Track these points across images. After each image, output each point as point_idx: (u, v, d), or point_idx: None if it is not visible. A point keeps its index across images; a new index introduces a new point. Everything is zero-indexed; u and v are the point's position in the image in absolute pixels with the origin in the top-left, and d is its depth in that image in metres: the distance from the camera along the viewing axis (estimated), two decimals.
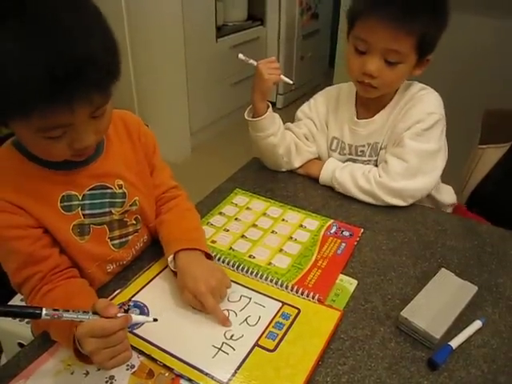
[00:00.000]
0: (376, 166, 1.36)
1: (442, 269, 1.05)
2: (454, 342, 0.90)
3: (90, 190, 0.95)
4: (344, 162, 1.40)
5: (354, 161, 1.39)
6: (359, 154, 1.39)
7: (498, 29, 2.22)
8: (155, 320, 0.84)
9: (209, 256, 1.02)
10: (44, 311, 0.73)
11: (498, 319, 0.97)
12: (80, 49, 0.72)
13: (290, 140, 1.40)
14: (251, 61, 1.29)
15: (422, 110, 1.28)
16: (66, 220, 0.93)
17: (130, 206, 1.02)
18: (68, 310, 0.76)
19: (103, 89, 0.78)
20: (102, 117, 0.84)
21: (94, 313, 0.77)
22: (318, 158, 1.47)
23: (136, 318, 0.83)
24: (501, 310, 0.99)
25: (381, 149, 1.35)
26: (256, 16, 3.88)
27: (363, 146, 1.38)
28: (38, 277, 0.90)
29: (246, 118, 1.34)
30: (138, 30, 3.11)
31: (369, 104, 1.34)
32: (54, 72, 0.69)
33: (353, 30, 1.23)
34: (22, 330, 1.25)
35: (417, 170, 1.26)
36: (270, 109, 1.33)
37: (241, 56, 1.30)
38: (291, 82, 1.36)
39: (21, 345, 1.25)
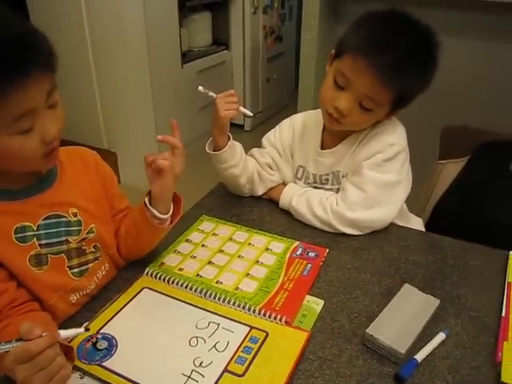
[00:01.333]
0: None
1: (406, 284, 1.07)
2: (420, 356, 0.92)
3: (44, 219, 0.95)
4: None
5: (319, 189, 1.40)
6: (323, 182, 1.40)
7: (455, 45, 2.29)
8: (87, 329, 0.83)
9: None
10: None
11: (460, 330, 0.99)
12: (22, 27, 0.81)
13: (253, 169, 1.41)
14: (210, 93, 1.29)
15: (383, 140, 1.27)
16: (22, 251, 0.93)
17: (87, 233, 1.03)
18: None
19: (48, 68, 0.83)
20: (57, 106, 0.87)
21: (18, 339, 0.73)
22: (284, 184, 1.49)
23: (64, 332, 0.78)
24: (463, 320, 1.02)
25: (342, 177, 1.36)
26: (221, 40, 3.95)
27: (327, 174, 1.38)
28: None
29: (207, 150, 1.35)
30: (102, 58, 3.13)
31: (333, 134, 1.35)
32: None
33: (338, 61, 1.20)
34: None
35: (374, 200, 1.26)
36: (231, 142, 1.32)
37: (200, 88, 1.30)
38: (251, 115, 1.37)
39: None
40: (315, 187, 1.41)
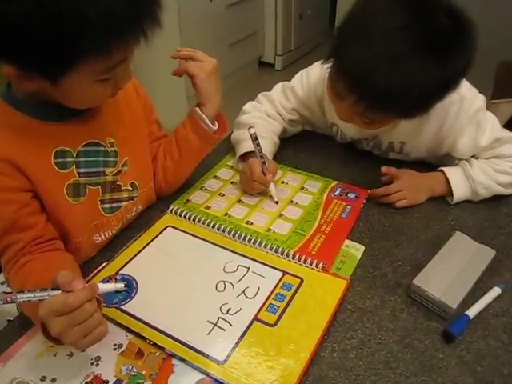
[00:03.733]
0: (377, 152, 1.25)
1: (457, 232, 0.97)
2: (472, 312, 0.84)
3: (84, 146, 0.89)
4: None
5: (355, 144, 1.28)
6: (362, 143, 1.26)
7: None
8: (126, 286, 0.79)
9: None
10: None
11: None
12: None
13: (278, 131, 1.26)
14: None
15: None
16: (61, 178, 0.87)
17: (122, 166, 0.97)
18: (23, 291, 0.68)
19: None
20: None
21: (54, 288, 0.68)
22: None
23: (103, 286, 0.75)
24: None
25: (391, 148, 1.21)
26: None
27: (366, 139, 1.24)
28: (18, 246, 0.83)
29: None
30: None
31: None
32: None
33: (330, 64, 1.02)
34: (9, 306, 1.18)
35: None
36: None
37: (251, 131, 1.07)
38: (275, 200, 1.10)
39: (10, 322, 1.19)
40: (352, 143, 1.28)
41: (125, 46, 0.75)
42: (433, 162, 1.21)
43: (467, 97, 1.08)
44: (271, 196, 1.09)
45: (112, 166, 0.95)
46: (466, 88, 1.08)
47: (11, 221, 0.81)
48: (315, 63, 1.25)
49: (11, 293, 0.67)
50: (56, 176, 0.86)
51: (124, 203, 0.99)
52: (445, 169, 1.12)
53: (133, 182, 1.00)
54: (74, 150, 0.88)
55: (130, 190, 0.99)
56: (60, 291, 0.68)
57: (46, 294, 0.68)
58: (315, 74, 1.23)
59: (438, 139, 1.12)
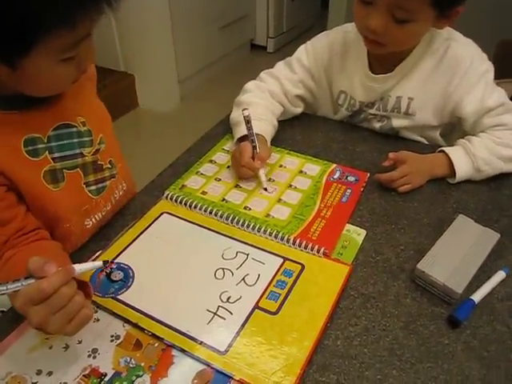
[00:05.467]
0: (380, 121, 1.22)
1: (460, 215, 0.95)
2: (477, 296, 0.82)
3: (54, 130, 0.86)
4: (347, 117, 1.28)
5: (360, 113, 1.25)
6: (368, 106, 1.23)
7: None
8: (105, 262, 0.73)
9: None
10: None
11: None
12: None
13: (279, 113, 1.24)
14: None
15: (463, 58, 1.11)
16: (35, 166, 0.83)
17: (99, 143, 0.94)
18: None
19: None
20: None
21: (28, 277, 0.65)
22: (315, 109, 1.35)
23: (80, 266, 0.69)
24: None
25: (397, 105, 1.19)
26: None
27: (375, 101, 1.21)
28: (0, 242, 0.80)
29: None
30: None
31: (382, 57, 1.15)
32: None
33: None
34: (3, 298, 1.16)
35: None
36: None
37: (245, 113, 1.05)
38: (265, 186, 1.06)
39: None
40: (355, 112, 1.26)
41: (90, 17, 0.70)
42: (434, 139, 1.21)
43: (477, 57, 1.11)
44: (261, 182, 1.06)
45: (89, 146, 0.92)
46: (477, 50, 1.12)
47: None
48: (318, 34, 1.25)
49: None
50: (30, 165, 0.83)
51: (107, 182, 0.97)
52: (445, 148, 1.10)
53: (110, 159, 0.97)
54: (44, 136, 0.85)
55: (109, 167, 0.97)
56: (34, 279, 0.64)
57: (19, 284, 0.64)
58: (320, 41, 1.24)
59: (445, 95, 1.13)
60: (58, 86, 0.81)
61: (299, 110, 1.31)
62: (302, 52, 1.26)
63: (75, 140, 0.89)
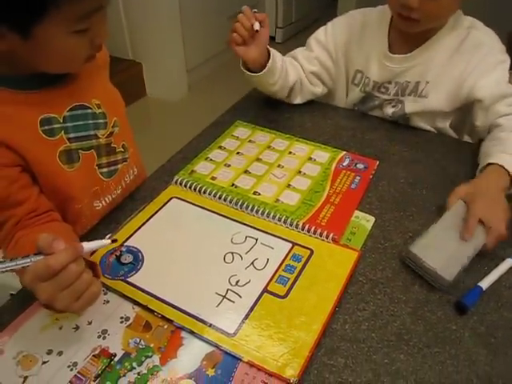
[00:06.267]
0: (394, 106, 1.22)
1: (460, 200, 0.92)
2: (484, 283, 0.82)
3: (69, 110, 0.87)
4: (361, 98, 1.27)
5: (374, 98, 1.25)
6: (382, 90, 1.24)
7: None
8: (114, 241, 0.74)
9: None
10: None
11: None
12: None
13: (294, 80, 1.25)
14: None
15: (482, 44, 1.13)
16: (51, 146, 0.84)
17: (113, 126, 0.95)
18: (3, 261, 0.65)
19: None
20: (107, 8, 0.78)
21: (37, 254, 0.65)
22: (327, 94, 1.35)
23: (88, 244, 0.70)
24: None
25: (415, 90, 1.19)
26: None
27: (389, 82, 1.22)
28: (12, 222, 0.81)
29: (242, 68, 1.19)
30: None
31: (406, 37, 1.16)
32: None
33: None
34: (13, 280, 1.17)
35: None
36: (271, 61, 1.15)
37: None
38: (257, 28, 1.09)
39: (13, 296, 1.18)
40: (369, 95, 1.26)
41: None
42: (443, 130, 1.21)
43: (497, 46, 1.13)
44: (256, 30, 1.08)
45: (103, 128, 0.93)
46: (497, 40, 1.15)
47: (2, 198, 0.79)
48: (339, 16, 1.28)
49: None
50: (46, 144, 0.83)
51: (119, 165, 0.98)
52: (488, 161, 0.98)
53: (123, 143, 0.98)
54: (60, 116, 0.85)
55: (122, 151, 0.98)
56: (42, 256, 0.65)
57: (28, 260, 0.65)
58: (340, 21, 1.28)
59: (461, 78, 1.13)
60: (72, 60, 0.80)
61: (318, 89, 1.31)
62: (321, 31, 1.29)
63: (90, 121, 0.90)
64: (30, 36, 0.69)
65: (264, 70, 1.15)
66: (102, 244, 0.73)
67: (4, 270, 0.64)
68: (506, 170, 0.95)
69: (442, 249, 0.84)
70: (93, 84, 0.93)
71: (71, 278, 0.65)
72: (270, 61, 1.15)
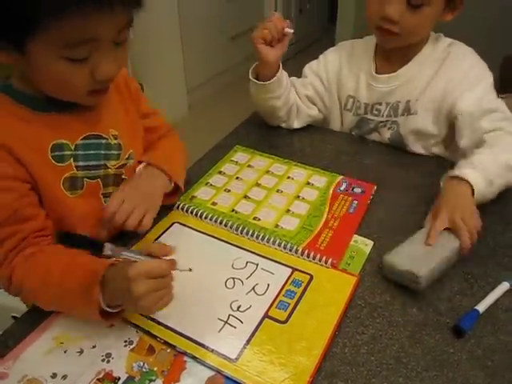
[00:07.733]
0: (390, 128, 1.24)
1: None
2: (481, 306, 0.83)
3: (83, 139, 0.88)
4: (356, 123, 1.30)
5: (368, 121, 1.27)
6: (375, 113, 1.26)
7: None
8: (190, 270, 0.85)
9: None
10: (108, 245, 0.85)
11: None
12: None
13: (294, 101, 1.29)
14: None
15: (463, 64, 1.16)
16: (57, 172, 0.86)
17: (127, 159, 0.96)
18: (128, 249, 0.85)
19: (128, 4, 0.76)
20: (123, 46, 0.80)
21: (148, 255, 0.83)
22: (323, 121, 1.38)
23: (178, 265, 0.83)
24: None
25: (407, 109, 1.21)
26: None
27: (380, 104, 1.25)
28: (19, 236, 0.81)
29: (251, 78, 1.23)
30: None
31: (390, 56, 1.20)
32: None
33: None
34: (14, 302, 1.18)
35: None
36: (280, 71, 1.21)
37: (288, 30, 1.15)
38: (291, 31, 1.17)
39: (15, 318, 1.18)
40: (364, 119, 1.28)
41: (88, 17, 0.69)
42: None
43: (478, 62, 1.17)
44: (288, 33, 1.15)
45: (115, 159, 0.93)
46: (478, 57, 1.17)
47: (11, 210, 0.80)
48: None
49: (118, 247, 0.85)
50: (53, 169, 0.85)
51: None
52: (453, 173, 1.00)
53: None
54: (73, 143, 0.87)
55: None
56: (150, 258, 0.82)
57: (139, 257, 0.82)
58: (330, 51, 1.34)
59: (444, 94, 1.15)
60: (68, 88, 0.79)
61: (313, 111, 1.34)
62: (315, 61, 1.35)
63: (102, 152, 0.91)
64: (25, 52, 0.72)
65: (273, 79, 1.19)
66: (183, 269, 0.84)
67: (125, 256, 0.82)
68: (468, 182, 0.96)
69: (413, 253, 0.87)
70: (114, 114, 0.94)
71: (165, 284, 0.79)
72: (280, 71, 1.20)
